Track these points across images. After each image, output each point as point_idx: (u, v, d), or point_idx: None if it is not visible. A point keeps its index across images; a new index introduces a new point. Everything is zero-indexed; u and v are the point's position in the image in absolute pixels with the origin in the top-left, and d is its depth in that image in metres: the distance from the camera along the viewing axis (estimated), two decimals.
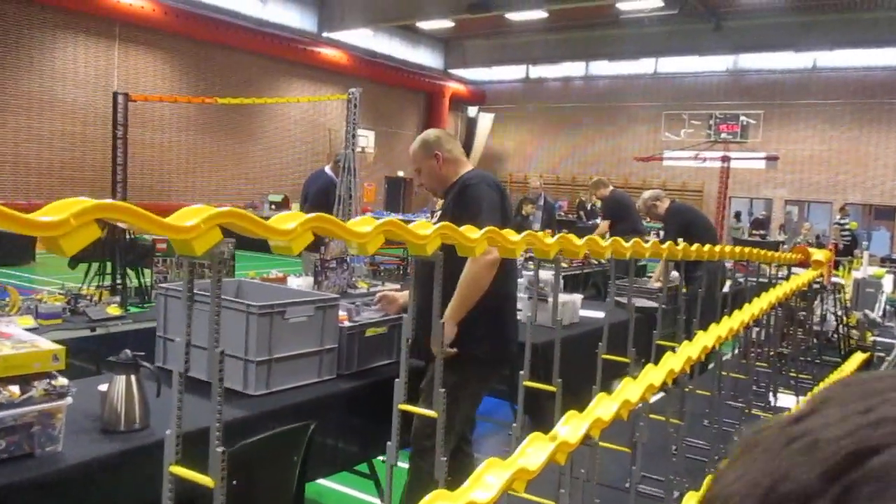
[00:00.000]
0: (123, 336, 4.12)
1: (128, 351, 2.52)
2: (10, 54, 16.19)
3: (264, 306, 2.94)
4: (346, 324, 3.34)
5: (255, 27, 19.99)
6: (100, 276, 5.81)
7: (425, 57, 26.24)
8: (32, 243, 11.42)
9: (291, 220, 1.13)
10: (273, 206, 16.32)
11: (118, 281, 5.63)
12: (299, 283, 5.63)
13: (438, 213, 3.45)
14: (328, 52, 22.29)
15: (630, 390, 1.53)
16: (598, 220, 9.27)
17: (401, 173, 25.94)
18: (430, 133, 3.47)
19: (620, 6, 18.98)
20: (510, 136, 28.07)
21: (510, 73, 27.60)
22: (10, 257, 11.41)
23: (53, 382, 2.21)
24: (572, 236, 2.05)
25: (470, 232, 1.66)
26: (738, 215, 21.90)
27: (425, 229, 1.59)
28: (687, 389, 2.13)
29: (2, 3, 15.81)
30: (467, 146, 28.01)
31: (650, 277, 7.46)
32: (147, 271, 5.52)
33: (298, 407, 2.93)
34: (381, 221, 1.50)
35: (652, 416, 1.93)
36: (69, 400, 2.25)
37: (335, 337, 3.22)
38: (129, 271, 5.73)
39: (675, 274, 6.59)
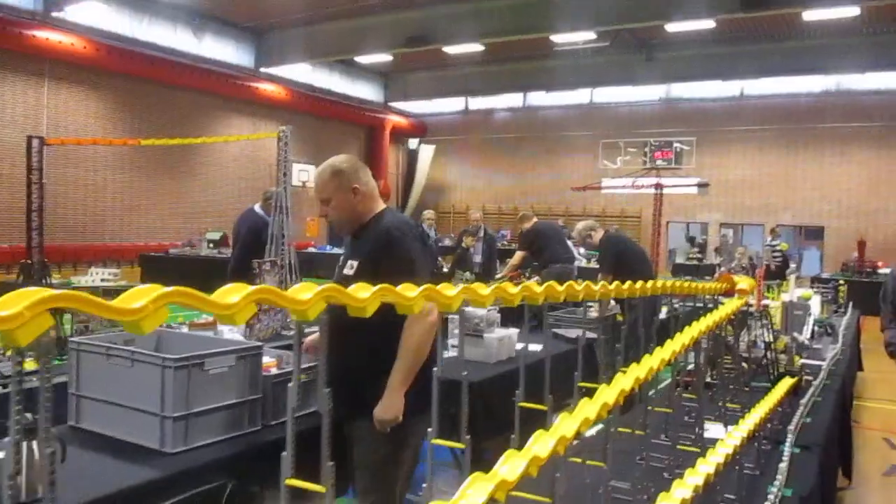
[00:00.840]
0: (36, 392, 3.92)
1: (28, 415, 2.37)
2: None
3: (181, 359, 2.82)
4: (273, 371, 3.23)
5: (190, 63, 19.77)
6: None
7: (365, 90, 26.33)
8: None
9: (140, 298, 1.03)
10: (211, 244, 15.96)
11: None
12: (230, 327, 5.47)
13: (349, 256, 3.08)
14: (266, 87, 22.17)
15: (541, 443, 1.49)
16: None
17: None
18: (344, 161, 3.05)
19: (555, 38, 19.38)
20: (452, 167, 28.26)
21: (450, 104, 27.86)
22: None
23: None
24: (507, 284, 1.98)
25: (407, 290, 1.57)
26: (692, 240, 22.51)
27: (363, 292, 1.47)
28: (613, 429, 2.09)
29: None
30: (409, 178, 28.11)
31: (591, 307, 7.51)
32: (68, 318, 5.28)
33: (219, 462, 2.81)
34: (320, 289, 1.32)
35: (573, 458, 1.88)
36: None
37: (259, 387, 3.11)
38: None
39: (612, 303, 6.67)
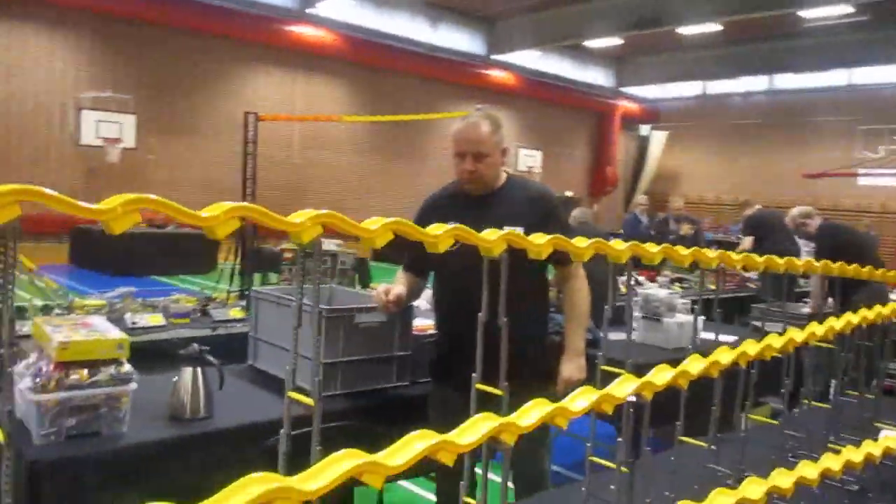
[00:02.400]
0: (242, 336, 4.44)
1: (195, 345, 2.72)
2: (210, 85, 17.99)
3: (333, 310, 3.06)
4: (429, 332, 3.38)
5: (426, 52, 20.78)
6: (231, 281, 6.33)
7: (595, 76, 25.92)
8: (214, 253, 12.53)
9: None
10: None
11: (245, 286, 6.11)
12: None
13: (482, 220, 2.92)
14: (496, 74, 22.66)
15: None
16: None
17: (569, 193, 25.69)
18: (501, 118, 2.94)
19: (804, 14, 17.70)
20: (685, 155, 26.97)
21: (685, 89, 26.56)
22: (194, 265, 12.65)
23: (119, 369, 2.44)
24: (680, 249, 1.96)
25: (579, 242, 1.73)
26: None
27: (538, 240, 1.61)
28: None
29: (211, 39, 17.61)
30: (639, 165, 27.26)
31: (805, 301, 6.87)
32: (274, 276, 5.92)
33: (363, 409, 3.01)
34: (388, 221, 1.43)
35: None
36: (133, 386, 2.47)
37: (409, 345, 3.28)
38: (256, 277, 6.17)
39: (829, 301, 6.03)
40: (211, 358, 2.69)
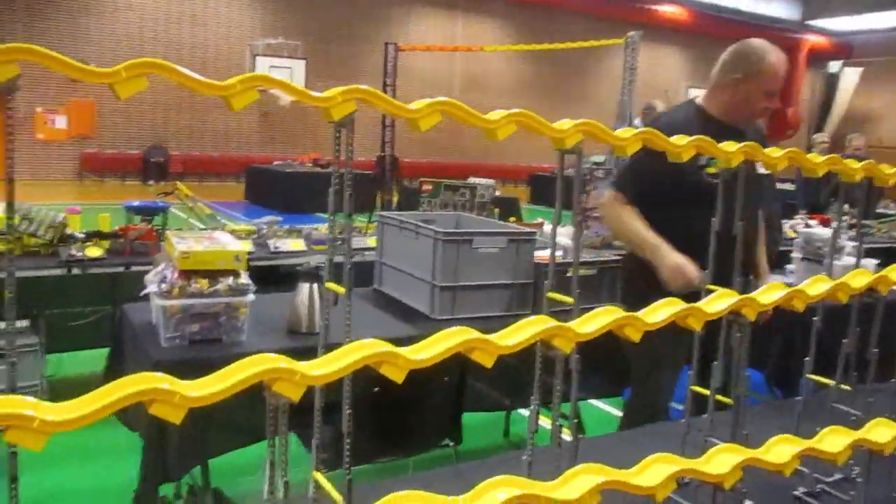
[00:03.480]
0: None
1: (312, 262, 2.77)
2: (372, 28, 18.34)
3: (451, 233, 3.00)
4: (544, 261, 3.26)
5: None
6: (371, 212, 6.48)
7: (778, 8, 23.77)
8: (374, 192, 12.91)
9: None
10: (594, 165, 16.34)
11: None
12: (562, 231, 5.58)
13: None
14: (666, 10, 21.42)
15: None
16: None
17: None
18: None
19: None
20: (883, 94, 24.29)
21: (885, 20, 23.74)
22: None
23: (237, 280, 2.53)
24: None
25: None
26: None
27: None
28: None
29: None
30: (826, 105, 24.95)
31: None
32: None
33: None
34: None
35: None
36: (250, 297, 2.55)
37: (530, 273, 3.17)
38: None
39: None
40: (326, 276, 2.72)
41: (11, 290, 1.05)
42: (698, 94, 3.08)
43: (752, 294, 1.46)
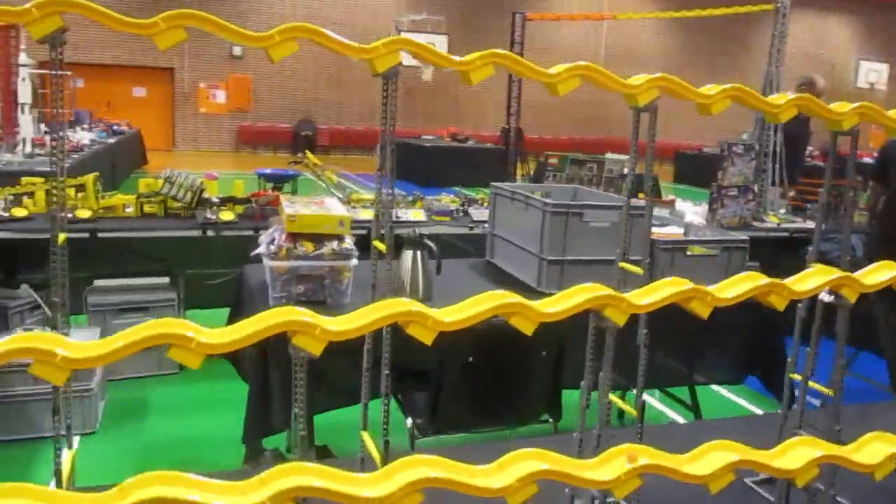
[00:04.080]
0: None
1: (416, 230, 2.79)
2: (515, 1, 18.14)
3: (561, 205, 2.92)
4: (662, 239, 3.10)
5: None
6: None
7: None
8: (505, 166, 12.89)
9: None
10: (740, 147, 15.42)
11: None
12: (695, 209, 5.32)
13: None
14: None
15: None
16: None
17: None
18: None
19: None
20: None
21: None
22: (488, 177, 13.13)
23: (341, 245, 2.58)
24: None
25: None
26: None
27: None
28: None
29: None
30: None
31: None
32: None
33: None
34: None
35: None
36: (354, 262, 2.60)
37: (644, 249, 3.02)
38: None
39: None
40: (430, 243, 2.73)
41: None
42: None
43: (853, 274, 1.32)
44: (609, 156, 6.15)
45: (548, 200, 2.92)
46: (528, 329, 1.10)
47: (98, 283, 4.14)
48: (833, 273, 1.30)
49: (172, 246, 4.23)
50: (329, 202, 2.78)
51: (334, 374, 2.66)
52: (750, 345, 3.34)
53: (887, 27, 21.05)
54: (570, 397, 2.98)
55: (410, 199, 4.85)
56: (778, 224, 5.31)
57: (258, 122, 18.09)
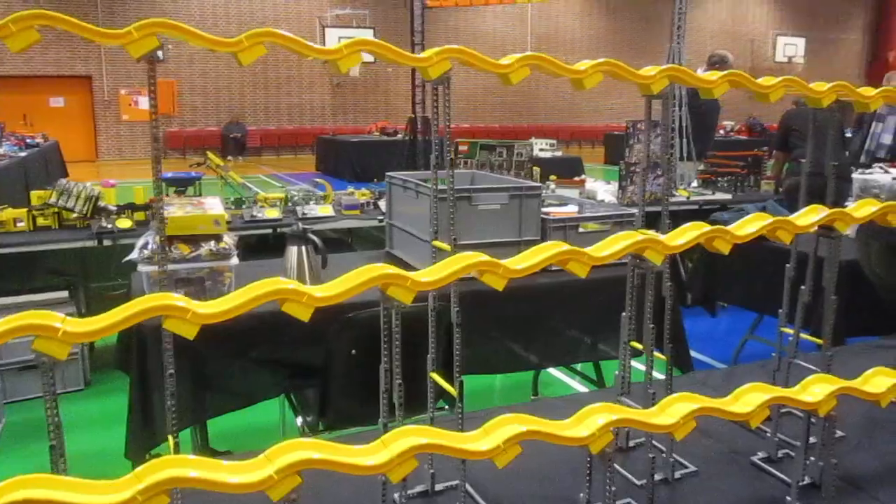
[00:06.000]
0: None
1: (300, 224, 2.73)
2: None
3: (447, 190, 2.89)
4: (553, 217, 3.12)
5: None
6: None
7: None
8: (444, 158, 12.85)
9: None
10: None
11: None
12: (606, 188, 5.38)
13: None
14: None
15: None
16: None
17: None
18: None
19: None
20: None
21: None
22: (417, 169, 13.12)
23: (219, 244, 2.52)
24: None
25: None
26: None
27: None
28: None
29: None
30: None
31: None
32: None
33: (480, 295, 2.86)
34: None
35: None
36: (234, 261, 2.54)
37: (536, 229, 3.04)
38: None
39: None
40: (314, 237, 2.68)
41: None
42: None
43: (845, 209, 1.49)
44: (532, 141, 6.20)
45: (434, 187, 2.90)
46: (582, 272, 1.18)
47: None
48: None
49: (70, 258, 4.08)
50: (209, 202, 2.71)
51: (223, 377, 2.60)
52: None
53: (802, 2, 21.68)
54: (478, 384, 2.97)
55: (323, 194, 4.79)
56: (688, 198, 5.41)
57: (186, 126, 17.71)
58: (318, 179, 4.98)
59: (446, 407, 2.72)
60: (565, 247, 1.21)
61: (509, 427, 1.01)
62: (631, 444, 1.66)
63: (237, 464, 0.93)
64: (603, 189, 5.32)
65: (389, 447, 0.97)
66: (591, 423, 1.02)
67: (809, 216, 1.44)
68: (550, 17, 19.26)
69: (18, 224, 4.05)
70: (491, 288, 1.35)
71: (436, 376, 1.52)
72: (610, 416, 1.02)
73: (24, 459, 3.37)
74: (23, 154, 9.86)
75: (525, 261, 1.20)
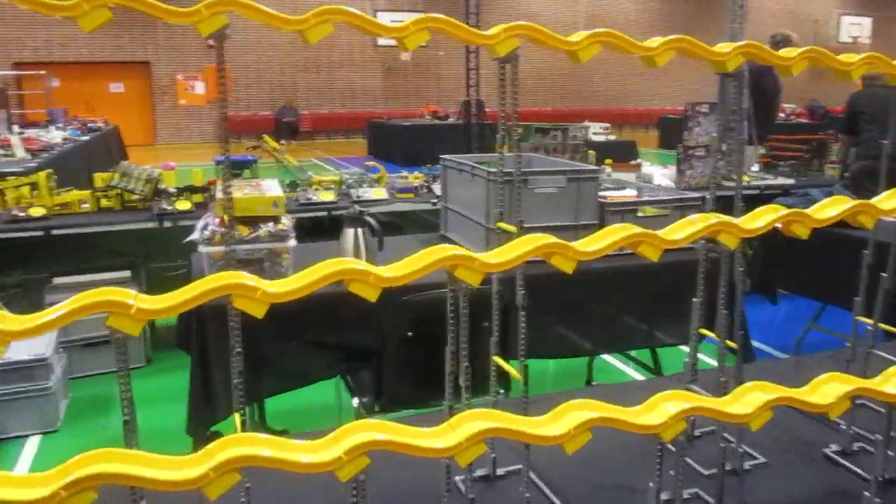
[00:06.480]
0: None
1: (356, 206, 2.74)
2: None
3: (507, 173, 2.86)
4: (611, 201, 3.06)
5: None
6: None
7: None
8: (492, 141, 12.81)
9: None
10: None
11: None
12: (663, 172, 5.27)
13: None
14: None
15: None
16: None
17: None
18: None
19: None
20: None
21: None
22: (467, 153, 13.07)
23: (277, 226, 2.54)
24: None
25: None
26: None
27: None
28: None
29: None
30: None
31: None
32: None
33: (537, 280, 2.82)
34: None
35: None
36: (293, 242, 2.56)
37: (594, 213, 2.98)
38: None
39: None
40: (371, 220, 2.68)
41: None
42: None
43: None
44: (588, 125, 6.09)
45: (490, 169, 2.87)
46: (654, 255, 1.15)
47: (57, 280, 4.09)
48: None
49: (131, 239, 4.17)
50: (267, 184, 2.73)
51: (279, 358, 2.62)
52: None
53: None
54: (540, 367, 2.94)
55: (376, 177, 4.80)
56: (748, 182, 5.26)
57: (241, 111, 17.97)
58: (369, 163, 4.98)
59: (501, 392, 2.70)
60: (637, 229, 1.18)
61: (579, 413, 0.98)
62: (696, 432, 1.61)
63: (307, 443, 0.93)
64: (660, 173, 5.21)
65: (458, 430, 0.96)
66: (663, 410, 0.99)
67: (893, 200, 1.37)
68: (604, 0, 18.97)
69: (83, 205, 4.16)
70: (547, 271, 1.32)
71: (499, 359, 1.50)
72: (683, 405, 0.99)
73: (90, 434, 3.48)
74: (85, 138, 10.13)
75: (595, 243, 1.16)
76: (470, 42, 1.31)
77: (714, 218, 1.24)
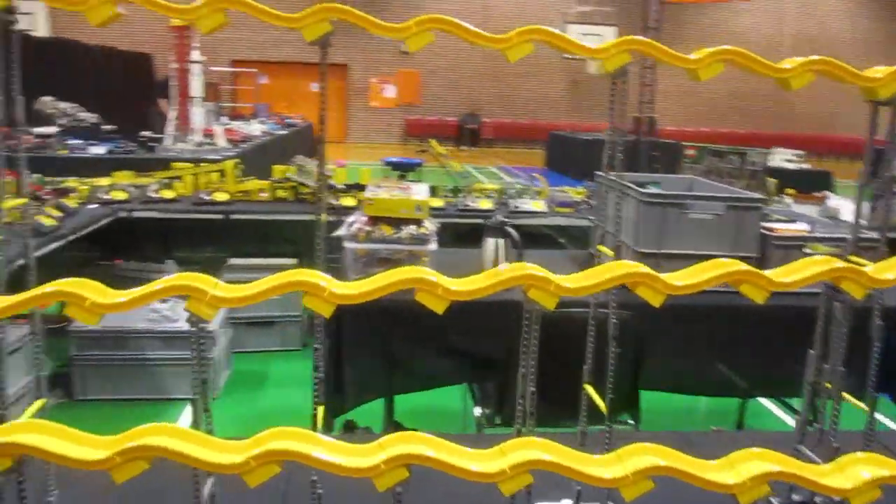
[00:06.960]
0: None
1: (498, 216, 2.74)
2: None
3: (656, 195, 2.75)
4: (776, 234, 2.83)
5: None
6: None
7: None
8: (677, 159, 12.35)
9: None
10: None
11: None
12: (843, 204, 4.80)
13: None
14: None
15: None
16: None
17: None
18: None
19: None
20: None
21: None
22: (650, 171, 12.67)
23: (420, 229, 2.59)
24: None
25: None
26: None
27: None
28: None
29: None
30: None
31: None
32: None
33: (693, 311, 2.67)
34: None
35: None
36: (433, 246, 2.61)
37: (754, 246, 2.78)
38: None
39: None
40: (511, 231, 2.68)
41: None
42: None
43: None
44: (779, 151, 5.70)
45: (643, 190, 2.77)
46: (759, 298, 1.09)
47: (232, 261, 4.44)
48: None
49: (300, 229, 4.44)
50: (416, 188, 2.80)
51: (408, 359, 2.68)
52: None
53: None
54: (649, 399, 2.81)
55: (538, 189, 4.78)
56: None
57: (427, 115, 18.59)
58: (535, 174, 4.97)
59: (630, 422, 2.60)
60: (741, 266, 1.08)
61: (645, 457, 0.92)
62: (795, 497, 1.45)
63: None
64: (849, 208, 4.76)
65: (507, 456, 0.93)
66: (744, 469, 0.90)
67: None
68: (814, 16, 17.64)
69: (261, 194, 4.49)
70: (704, 303, 1.23)
71: (589, 388, 1.43)
72: (766, 466, 0.89)
73: (244, 403, 3.75)
74: (282, 132, 10.93)
75: (688, 278, 1.08)
76: (671, 64, 1.26)
77: (838, 262, 1.11)
